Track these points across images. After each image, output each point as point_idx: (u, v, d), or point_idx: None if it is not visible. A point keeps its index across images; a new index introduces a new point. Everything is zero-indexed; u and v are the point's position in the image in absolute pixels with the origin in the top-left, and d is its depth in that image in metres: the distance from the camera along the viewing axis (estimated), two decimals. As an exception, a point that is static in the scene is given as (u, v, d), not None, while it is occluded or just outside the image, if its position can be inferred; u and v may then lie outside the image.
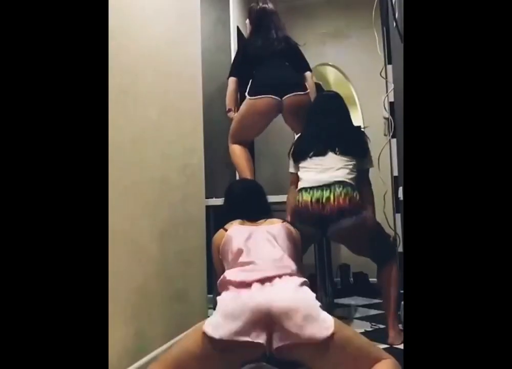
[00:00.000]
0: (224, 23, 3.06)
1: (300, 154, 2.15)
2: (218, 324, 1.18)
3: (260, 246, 1.47)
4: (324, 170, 2.01)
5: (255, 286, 1.27)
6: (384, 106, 3.25)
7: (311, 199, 1.95)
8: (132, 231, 1.51)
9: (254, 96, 2.45)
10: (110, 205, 1.32)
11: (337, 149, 2.04)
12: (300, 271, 1.46)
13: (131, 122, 1.56)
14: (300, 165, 2.12)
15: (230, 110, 2.67)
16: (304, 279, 1.35)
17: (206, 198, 2.24)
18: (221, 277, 1.40)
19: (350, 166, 2.02)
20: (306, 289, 1.30)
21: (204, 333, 1.18)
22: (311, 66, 3.84)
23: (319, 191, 1.95)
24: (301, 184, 2.06)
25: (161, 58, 1.82)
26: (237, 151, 2.57)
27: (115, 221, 1.38)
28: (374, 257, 2.07)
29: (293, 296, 1.24)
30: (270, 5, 2.69)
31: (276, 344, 1.18)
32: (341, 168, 2.00)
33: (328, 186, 1.95)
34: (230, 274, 1.37)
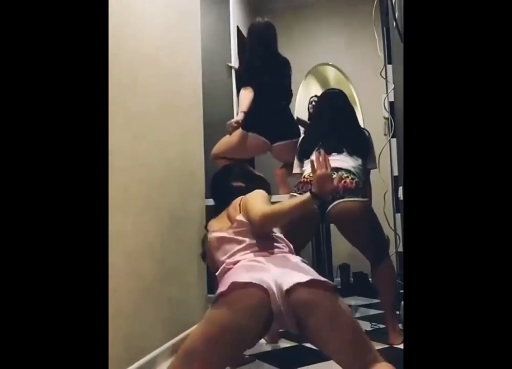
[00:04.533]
0: (224, 23, 3.06)
1: (305, 153, 2.15)
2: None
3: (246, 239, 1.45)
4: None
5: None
6: (384, 106, 3.25)
7: None
8: (132, 231, 1.51)
9: (247, 131, 2.48)
10: (110, 205, 1.32)
11: (342, 149, 2.04)
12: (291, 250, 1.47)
13: (131, 122, 1.56)
14: (305, 164, 2.13)
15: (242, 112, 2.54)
16: (301, 258, 1.36)
17: (206, 198, 2.24)
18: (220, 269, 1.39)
19: (355, 164, 2.02)
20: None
21: (207, 315, 1.16)
22: (311, 66, 3.84)
23: None
24: (304, 173, 2.07)
25: (161, 58, 1.82)
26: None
27: (115, 221, 1.38)
28: (368, 252, 2.02)
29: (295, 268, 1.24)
30: (268, 22, 2.66)
31: (286, 286, 1.13)
32: (348, 162, 2.00)
33: (335, 170, 1.89)
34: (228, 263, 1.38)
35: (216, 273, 1.41)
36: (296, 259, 1.36)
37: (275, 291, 1.14)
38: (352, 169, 1.97)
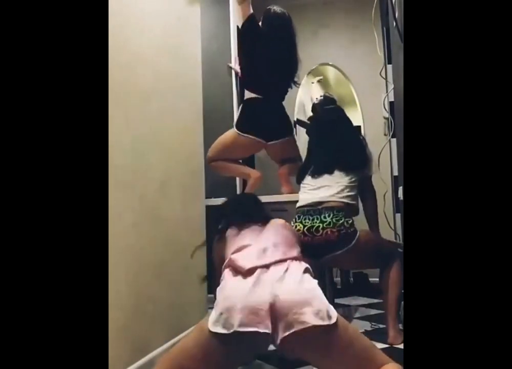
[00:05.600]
0: (224, 23, 3.06)
1: (300, 174, 2.21)
2: (221, 318, 1.15)
3: (260, 239, 1.44)
4: (317, 188, 2.03)
5: (258, 272, 1.26)
6: (384, 106, 3.26)
7: (303, 228, 1.94)
8: (132, 232, 1.51)
9: (241, 132, 2.49)
10: (110, 206, 1.32)
11: (333, 169, 2.05)
12: (300, 257, 1.44)
13: (131, 122, 1.56)
14: (301, 184, 2.17)
15: None
16: (306, 265, 1.34)
17: (206, 198, 2.24)
18: (226, 261, 1.37)
19: (349, 181, 2.02)
20: (308, 277, 1.28)
21: (204, 330, 1.15)
22: (311, 66, 3.84)
23: (308, 221, 1.94)
24: (297, 204, 2.10)
25: (161, 58, 1.82)
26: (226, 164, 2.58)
27: (115, 221, 1.38)
28: (376, 265, 2.07)
29: (298, 288, 1.20)
30: (286, 13, 2.58)
31: (281, 334, 1.12)
32: (335, 186, 2.00)
33: (318, 213, 1.93)
34: (234, 258, 1.34)
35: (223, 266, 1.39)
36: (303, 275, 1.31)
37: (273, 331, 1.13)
38: (337, 200, 1.96)
